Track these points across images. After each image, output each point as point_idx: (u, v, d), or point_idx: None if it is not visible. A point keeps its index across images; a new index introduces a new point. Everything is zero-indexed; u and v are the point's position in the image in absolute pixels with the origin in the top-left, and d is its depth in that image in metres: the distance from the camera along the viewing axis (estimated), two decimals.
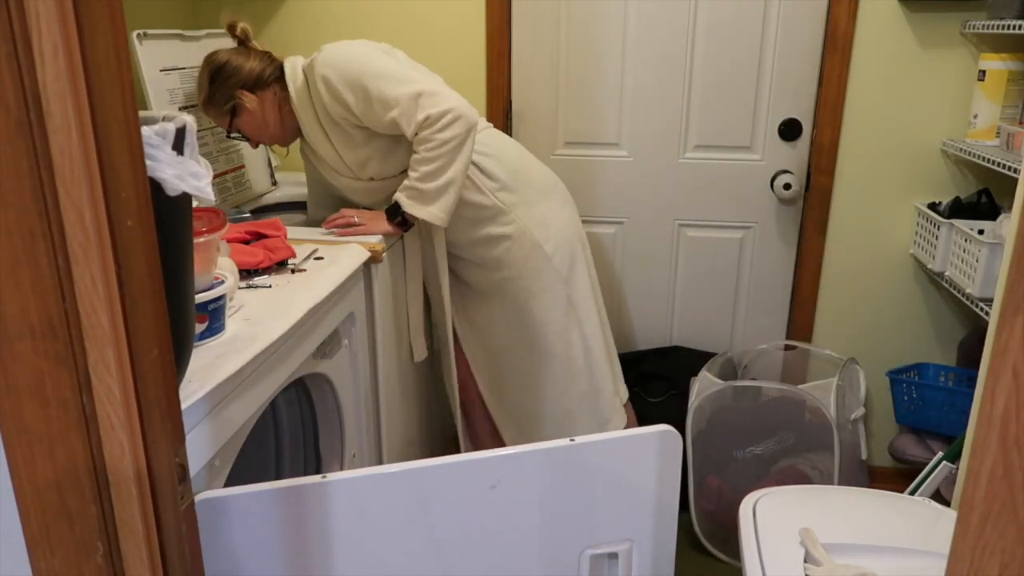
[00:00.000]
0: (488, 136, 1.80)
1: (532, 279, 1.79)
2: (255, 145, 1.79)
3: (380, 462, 1.73)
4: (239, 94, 1.67)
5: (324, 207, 1.88)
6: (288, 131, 1.75)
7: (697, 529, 2.15)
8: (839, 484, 1.98)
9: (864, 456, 2.14)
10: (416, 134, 1.58)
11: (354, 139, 1.68)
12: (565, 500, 1.01)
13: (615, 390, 1.96)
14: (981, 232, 1.83)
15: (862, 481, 2.12)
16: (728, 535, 2.11)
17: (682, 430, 2.11)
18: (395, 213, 1.63)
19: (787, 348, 2.32)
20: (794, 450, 2.07)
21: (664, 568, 1.07)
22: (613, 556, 1.05)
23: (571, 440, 1.01)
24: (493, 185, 1.75)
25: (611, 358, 1.98)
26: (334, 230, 1.64)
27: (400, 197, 1.62)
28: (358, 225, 1.65)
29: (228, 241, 1.41)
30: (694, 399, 2.09)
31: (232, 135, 1.74)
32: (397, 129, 1.60)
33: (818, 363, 2.29)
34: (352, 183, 1.75)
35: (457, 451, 2.53)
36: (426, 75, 1.70)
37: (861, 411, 2.13)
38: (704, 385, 2.10)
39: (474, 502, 0.99)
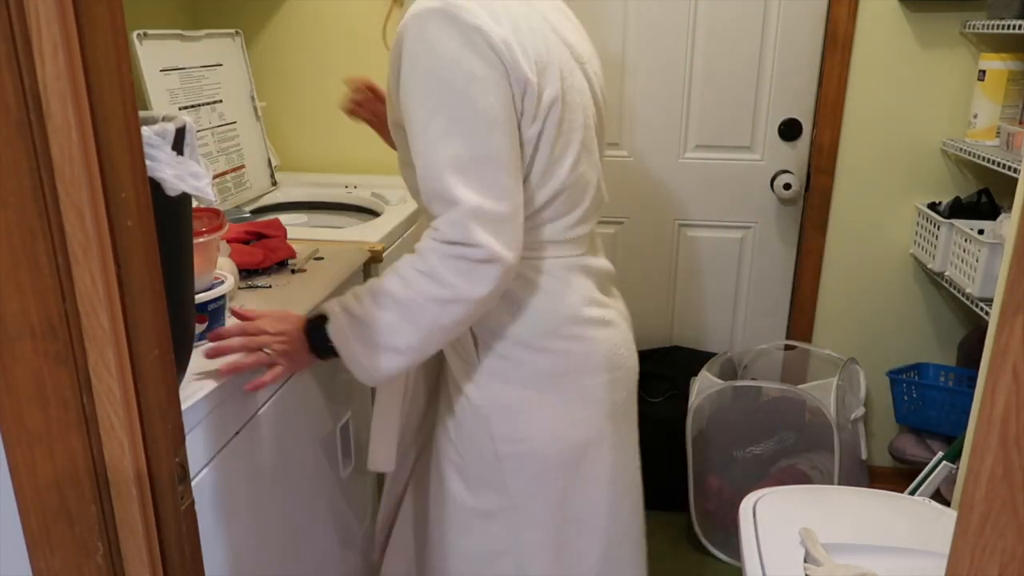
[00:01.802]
0: None
1: None
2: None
3: None
4: None
5: None
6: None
7: (697, 529, 2.15)
8: (839, 484, 1.98)
9: (864, 456, 2.14)
10: (431, 237, 1.02)
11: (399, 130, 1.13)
12: None
13: None
14: (981, 232, 1.83)
15: (862, 481, 2.13)
16: (728, 535, 2.11)
17: (682, 430, 2.12)
18: (316, 333, 1.09)
19: (787, 348, 2.32)
20: (794, 450, 2.08)
21: None
22: None
23: None
24: None
25: None
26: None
27: (329, 310, 1.08)
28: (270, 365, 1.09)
29: (228, 241, 1.41)
30: (694, 399, 2.09)
31: None
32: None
33: (818, 363, 2.29)
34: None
35: None
36: (511, 167, 1.01)
37: (861, 411, 2.13)
38: (704, 385, 2.10)
39: None
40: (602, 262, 1.23)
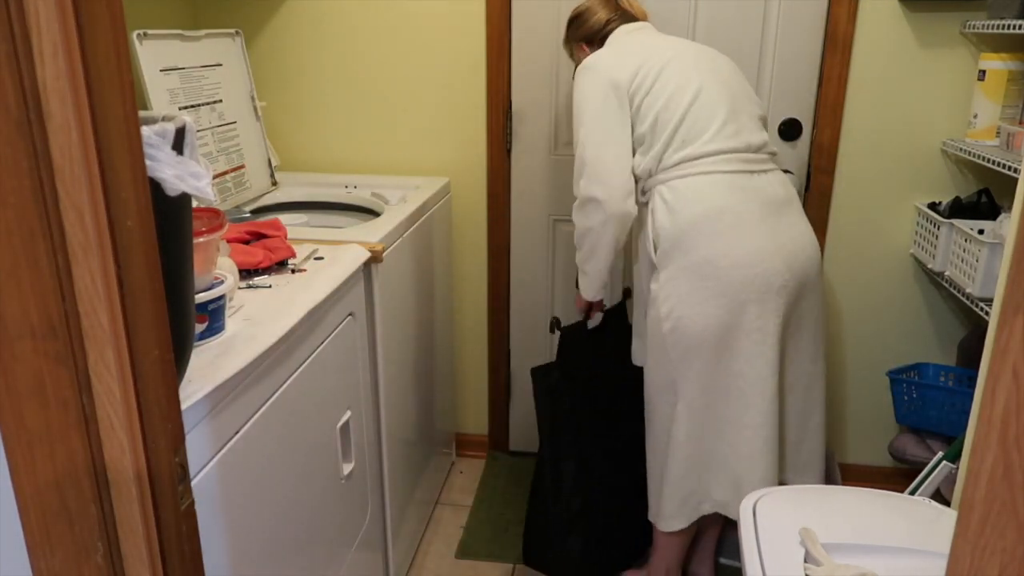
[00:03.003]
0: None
1: None
2: None
3: (380, 464, 1.73)
4: (576, 47, 1.77)
5: None
6: None
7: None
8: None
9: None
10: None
11: None
12: None
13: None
14: (981, 232, 1.82)
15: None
16: (724, 534, 2.11)
17: None
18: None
19: None
20: None
21: None
22: None
23: None
24: None
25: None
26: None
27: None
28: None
29: (228, 241, 1.41)
30: None
31: None
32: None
33: None
34: None
35: (457, 457, 2.53)
36: (612, 146, 1.63)
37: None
38: None
39: None
40: (761, 183, 1.62)
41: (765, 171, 1.64)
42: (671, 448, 1.69)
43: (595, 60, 1.66)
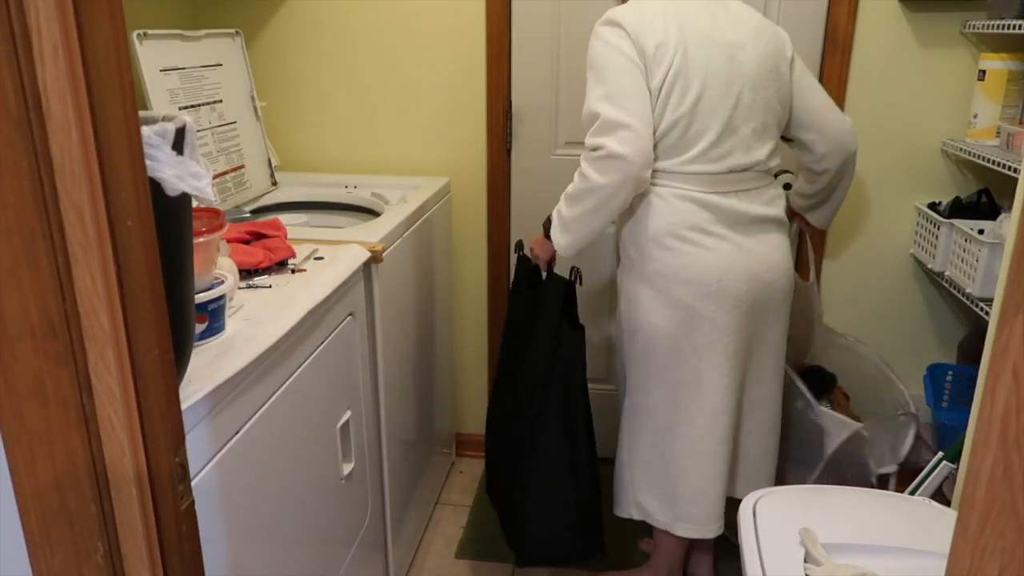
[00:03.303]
0: None
1: None
2: None
3: (380, 464, 1.73)
4: None
5: None
6: None
7: None
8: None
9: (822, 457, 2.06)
10: (582, 153, 1.55)
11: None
12: None
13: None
14: (981, 232, 1.82)
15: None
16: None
17: None
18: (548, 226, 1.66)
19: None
20: (796, 459, 2.06)
21: None
22: None
23: None
24: None
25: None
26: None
27: (553, 212, 1.64)
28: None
29: (228, 241, 1.41)
30: None
31: None
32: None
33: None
34: None
35: (457, 457, 2.53)
36: (639, 101, 1.52)
37: (892, 470, 2.04)
38: None
39: None
40: (735, 204, 1.59)
41: (747, 190, 1.60)
42: (632, 446, 1.75)
43: (622, 16, 1.54)
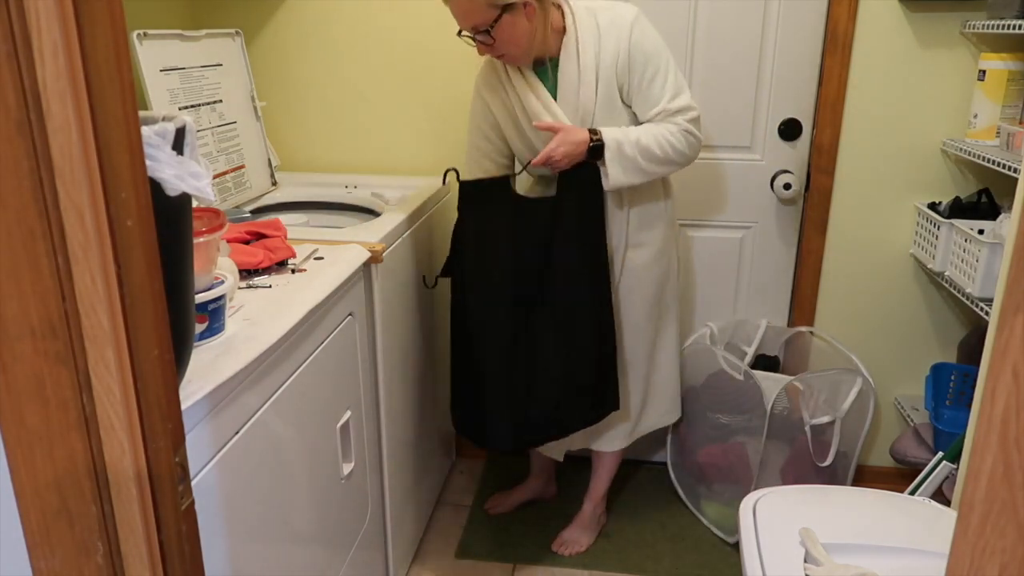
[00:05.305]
0: None
1: None
2: (483, 53, 1.70)
3: (380, 464, 1.73)
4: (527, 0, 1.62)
5: (490, 161, 1.90)
6: (533, 54, 1.71)
7: (673, 477, 2.34)
8: (784, 483, 2.02)
9: (824, 463, 2.09)
10: (672, 116, 1.72)
11: (613, 101, 1.76)
12: None
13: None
14: (981, 232, 1.82)
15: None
16: (692, 484, 2.27)
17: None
18: (596, 151, 1.71)
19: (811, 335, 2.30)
20: (749, 430, 2.09)
21: None
22: None
23: None
24: None
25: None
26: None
27: (608, 139, 1.70)
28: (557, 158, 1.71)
29: (228, 241, 1.41)
30: (692, 340, 2.25)
31: (467, 35, 1.65)
32: (647, 105, 1.73)
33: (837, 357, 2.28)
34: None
35: (457, 457, 2.54)
36: None
37: (826, 419, 2.08)
38: (701, 340, 2.22)
39: None
40: None
41: None
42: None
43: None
